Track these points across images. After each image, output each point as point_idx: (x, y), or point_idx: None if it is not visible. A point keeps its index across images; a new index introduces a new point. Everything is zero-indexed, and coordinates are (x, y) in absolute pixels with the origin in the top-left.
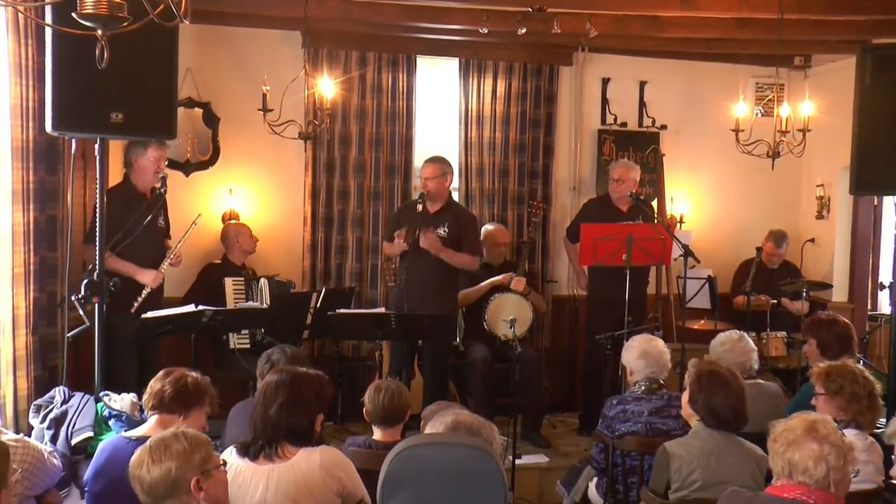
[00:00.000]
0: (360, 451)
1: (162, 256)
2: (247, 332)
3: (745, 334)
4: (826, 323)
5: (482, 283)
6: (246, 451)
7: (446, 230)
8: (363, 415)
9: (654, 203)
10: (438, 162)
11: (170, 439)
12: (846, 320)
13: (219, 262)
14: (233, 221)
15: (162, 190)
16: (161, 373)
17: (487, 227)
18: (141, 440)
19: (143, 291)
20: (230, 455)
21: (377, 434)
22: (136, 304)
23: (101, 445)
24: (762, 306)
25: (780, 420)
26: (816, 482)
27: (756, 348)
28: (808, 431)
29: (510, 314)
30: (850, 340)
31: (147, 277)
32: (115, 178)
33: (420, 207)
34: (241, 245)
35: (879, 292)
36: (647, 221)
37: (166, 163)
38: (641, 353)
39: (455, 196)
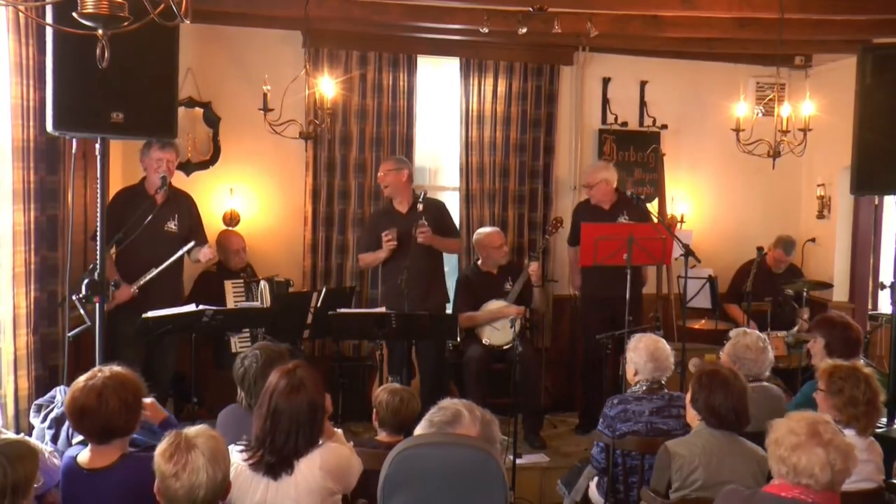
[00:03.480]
0: (362, 450)
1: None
2: (248, 333)
3: (769, 342)
4: (840, 326)
5: (488, 310)
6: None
7: (424, 222)
8: (362, 414)
9: (655, 202)
10: (395, 160)
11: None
12: (858, 325)
13: (214, 269)
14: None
15: (160, 191)
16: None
17: (481, 232)
18: (96, 470)
19: (150, 272)
20: (232, 454)
21: (382, 436)
22: (141, 282)
23: (62, 468)
24: (763, 309)
25: (779, 420)
26: (822, 486)
27: (773, 359)
28: (812, 436)
29: (497, 321)
30: (858, 346)
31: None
32: (115, 177)
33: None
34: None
35: (880, 292)
36: (633, 218)
37: (175, 164)
38: (650, 356)
39: (455, 196)
